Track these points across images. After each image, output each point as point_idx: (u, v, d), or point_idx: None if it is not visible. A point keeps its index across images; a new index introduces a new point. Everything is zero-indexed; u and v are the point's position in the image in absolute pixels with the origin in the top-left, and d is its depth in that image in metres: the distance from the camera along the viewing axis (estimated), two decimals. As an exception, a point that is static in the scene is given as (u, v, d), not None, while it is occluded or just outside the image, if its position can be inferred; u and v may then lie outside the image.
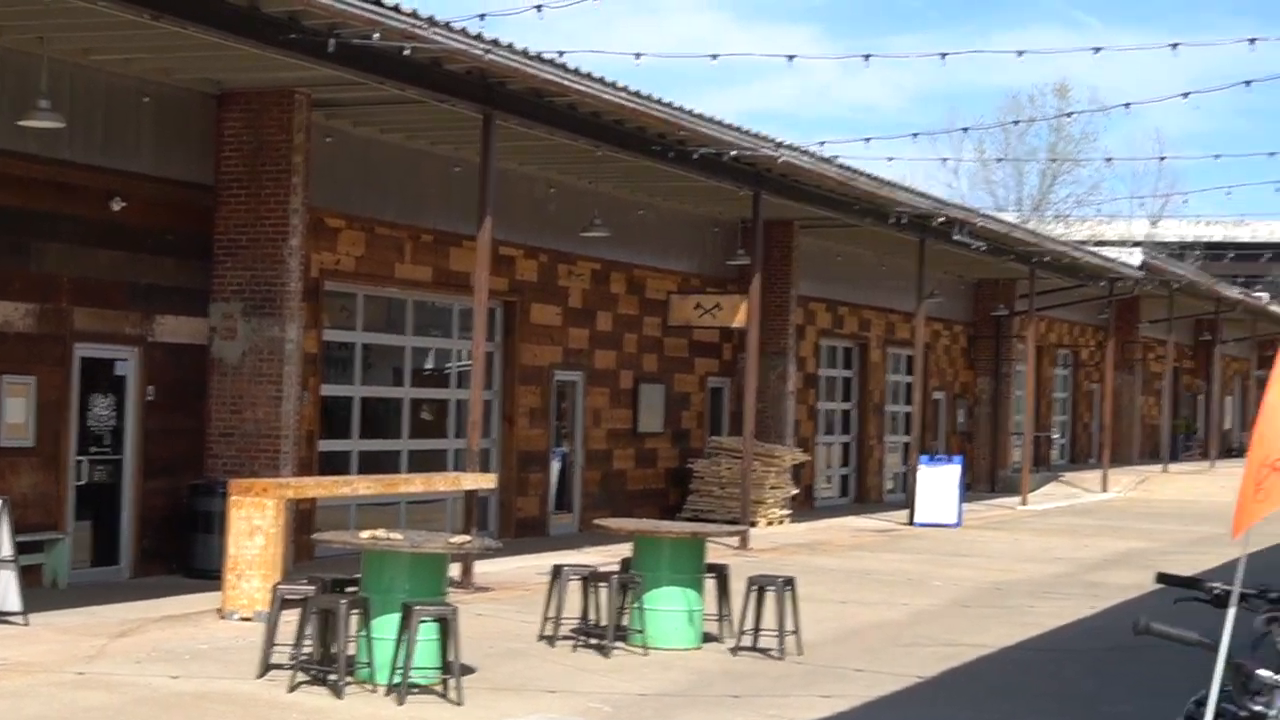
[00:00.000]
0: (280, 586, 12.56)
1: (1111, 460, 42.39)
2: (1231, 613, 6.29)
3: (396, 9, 15.48)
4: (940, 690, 12.76)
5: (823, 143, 26.27)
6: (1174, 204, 66.89)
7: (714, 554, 16.23)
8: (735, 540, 22.28)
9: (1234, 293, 49.80)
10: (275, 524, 14.90)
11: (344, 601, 11.58)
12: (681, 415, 28.47)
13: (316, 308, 19.94)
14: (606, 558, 17.32)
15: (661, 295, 27.55)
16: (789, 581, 14.04)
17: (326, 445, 20.43)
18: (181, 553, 17.82)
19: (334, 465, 20.44)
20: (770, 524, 26.80)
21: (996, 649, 14.81)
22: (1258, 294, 54.61)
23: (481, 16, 16.95)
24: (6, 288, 16.32)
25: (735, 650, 13.94)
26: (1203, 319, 53.57)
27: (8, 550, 14.11)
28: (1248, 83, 19.82)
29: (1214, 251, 72.12)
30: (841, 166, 24.57)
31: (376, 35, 15.49)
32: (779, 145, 22.68)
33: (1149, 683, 12.90)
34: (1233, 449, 56.33)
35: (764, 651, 13.85)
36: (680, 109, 20.47)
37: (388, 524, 16.83)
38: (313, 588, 12.17)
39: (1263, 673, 5.54)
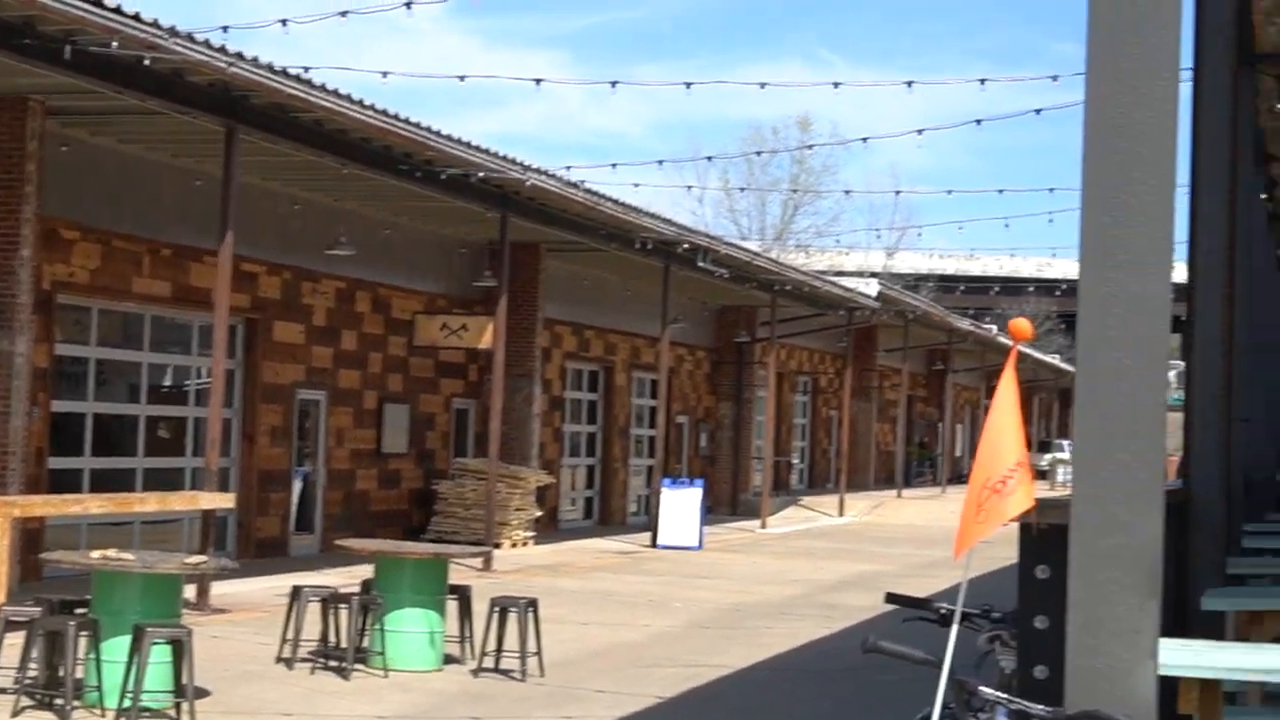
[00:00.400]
0: (4, 608, 12.14)
1: (849, 485, 43.31)
2: (954, 631, 6.44)
3: (137, 18, 15.12)
4: (680, 711, 12.87)
5: (569, 167, 26.47)
6: (909, 237, 68.85)
7: (457, 575, 16.17)
8: (479, 562, 22.22)
9: (965, 324, 51.41)
10: (0, 544, 14.38)
11: (72, 623, 11.22)
12: (426, 436, 28.29)
13: (48, 321, 19.34)
14: (348, 579, 17.12)
15: (407, 315, 27.35)
16: (531, 603, 14.04)
17: (57, 463, 19.80)
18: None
19: (65, 484, 19.81)
20: (514, 546, 26.78)
21: (735, 670, 14.99)
22: (987, 325, 56.44)
23: (225, 29, 16.73)
24: None
25: (477, 672, 13.89)
26: (936, 349, 55.14)
27: None
28: (978, 121, 20.52)
29: (946, 284, 74.34)
30: (588, 191, 24.73)
31: (115, 44, 15.13)
32: (526, 168, 22.74)
33: (880, 702, 13.18)
34: (963, 475, 58.00)
35: (506, 673, 13.82)
36: (427, 129, 20.41)
37: (122, 545, 16.35)
38: (39, 609, 11.78)
39: (985, 689, 5.70)
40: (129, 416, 21.75)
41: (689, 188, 56.91)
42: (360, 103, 18.89)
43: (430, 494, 27.61)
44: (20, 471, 17.62)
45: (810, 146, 57.29)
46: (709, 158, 44.23)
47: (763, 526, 35.80)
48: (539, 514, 28.56)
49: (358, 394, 26.22)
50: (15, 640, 11.71)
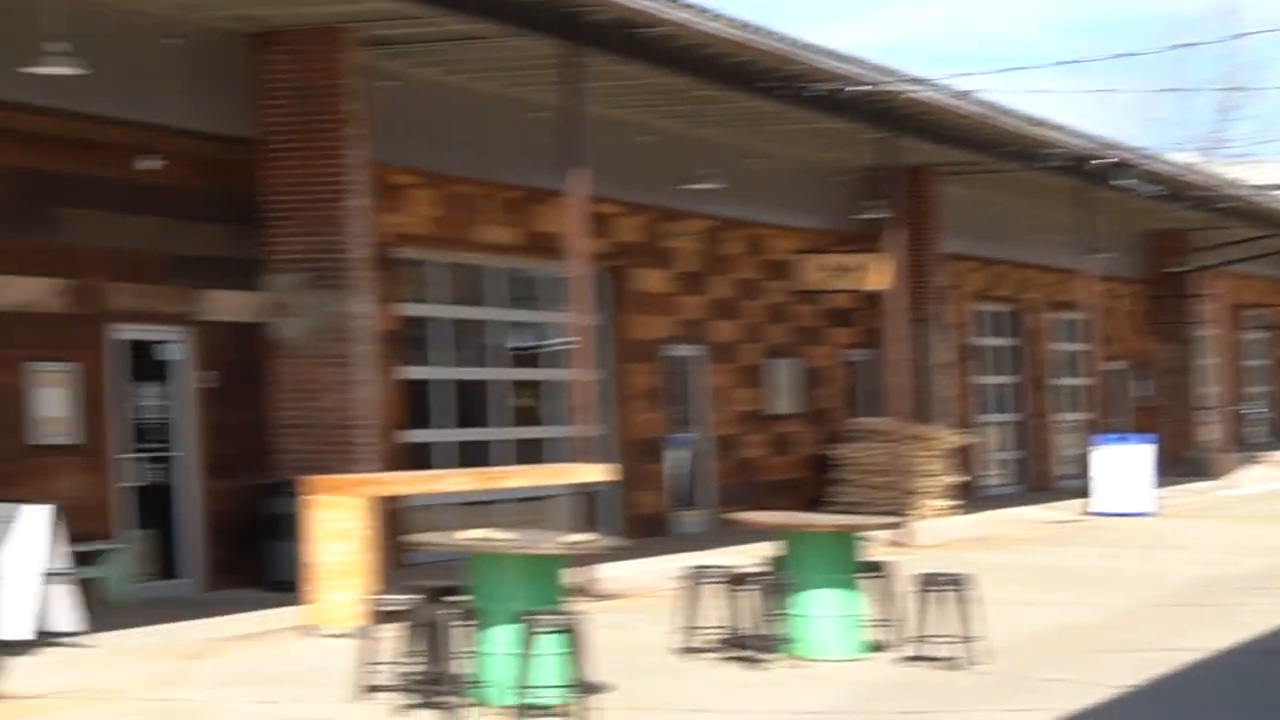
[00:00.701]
0: (374, 598, 12.66)
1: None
2: None
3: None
4: (1151, 702, 12.66)
5: (959, 75, 26.28)
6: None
7: (870, 550, 16.22)
8: (894, 535, 22.26)
9: None
10: (362, 527, 15.04)
11: (449, 613, 11.62)
12: (818, 393, 28.51)
13: (388, 278, 20.02)
14: (743, 558, 17.34)
15: (785, 256, 27.56)
16: (961, 580, 13.99)
17: (406, 435, 20.57)
18: (253, 562, 18.07)
19: (415, 458, 20.58)
20: (931, 516, 26.79)
21: (1211, 653, 14.70)
22: None
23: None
24: (28, 261, 16.52)
25: (904, 659, 13.93)
26: None
27: (61, 563, 14.43)
28: None
29: None
30: (979, 102, 24.57)
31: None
32: (908, 79, 22.73)
33: None
34: None
35: (937, 660, 13.81)
36: (794, 40, 20.58)
37: (482, 524, 16.90)
38: (411, 598, 12.22)
39: None
40: (479, 382, 22.47)
41: (1099, 92, 55.59)
42: (714, 14, 19.07)
43: (828, 460, 27.85)
44: (370, 446, 18.34)
45: (1244, 35, 55.28)
46: (1123, 55, 42.86)
47: (1220, 487, 35.06)
48: (956, 479, 28.59)
49: (736, 348, 26.56)
50: (386, 632, 12.18)
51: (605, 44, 18.83)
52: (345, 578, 14.87)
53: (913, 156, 26.70)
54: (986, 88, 26.77)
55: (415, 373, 21.08)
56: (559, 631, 11.45)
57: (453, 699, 11.39)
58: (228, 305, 18.54)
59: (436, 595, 12.37)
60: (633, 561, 18.64)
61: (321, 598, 14.95)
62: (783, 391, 27.56)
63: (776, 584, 14.00)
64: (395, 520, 19.36)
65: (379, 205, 19.49)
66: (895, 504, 24.39)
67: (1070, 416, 36.28)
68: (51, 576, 14.26)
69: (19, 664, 12.75)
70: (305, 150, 18.57)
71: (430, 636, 11.79)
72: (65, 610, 14.47)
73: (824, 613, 14.09)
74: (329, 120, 18.49)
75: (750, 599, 13.91)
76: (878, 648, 14.38)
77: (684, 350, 25.47)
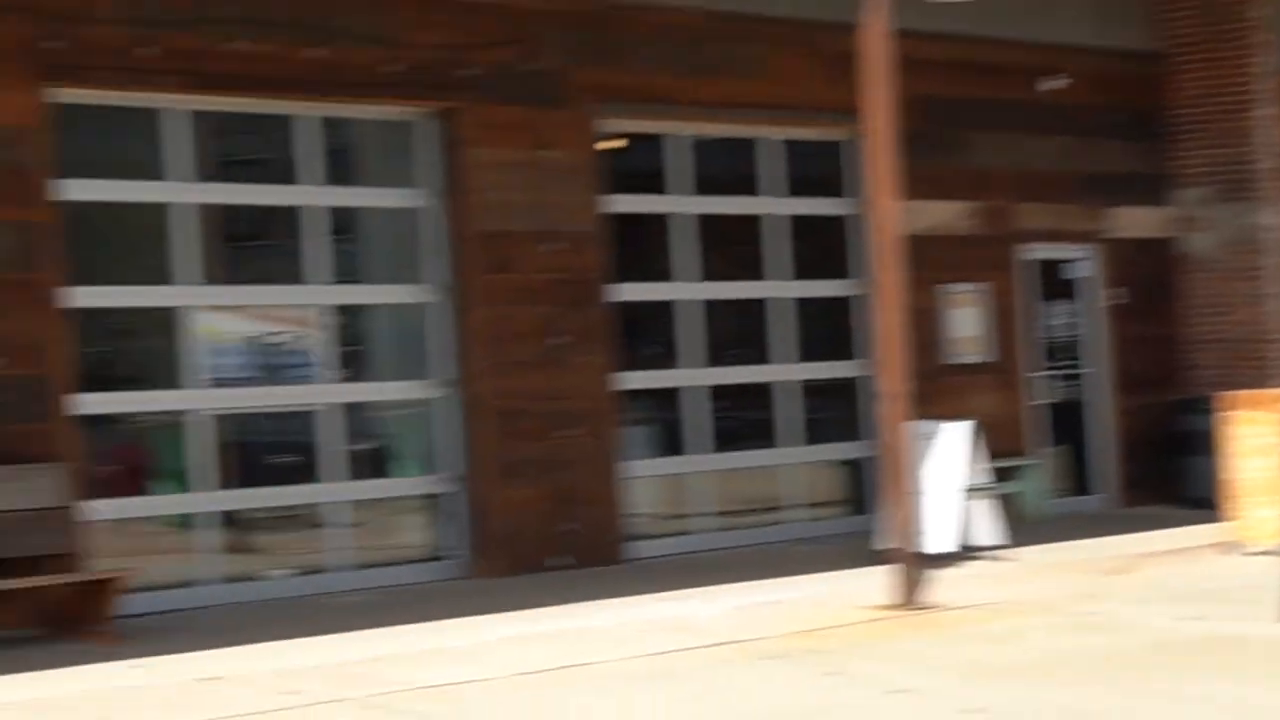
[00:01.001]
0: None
1: None
2: None
3: None
4: None
5: None
6: None
7: None
8: None
9: None
10: (1281, 443, 14.67)
11: None
12: None
13: (1298, 188, 19.47)
14: None
15: None
16: None
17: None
18: (1165, 479, 18.07)
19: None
20: None
21: None
22: None
23: None
24: (938, 186, 16.91)
25: None
26: None
27: (983, 478, 14.91)
28: None
29: None
30: None
31: None
32: None
33: None
34: None
35: None
36: None
37: None
38: None
39: None
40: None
41: None
42: None
43: None
44: (1285, 362, 17.92)
45: None
46: None
47: None
48: None
49: None
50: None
51: None
52: (1266, 494, 14.53)
53: None
54: None
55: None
56: None
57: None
58: (1135, 222, 18.51)
59: None
60: None
61: (1242, 515, 14.68)
62: None
63: None
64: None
65: (1280, 114, 18.96)
66: None
67: None
68: (972, 491, 14.76)
69: (943, 576, 13.13)
70: (1210, 61, 18.33)
71: None
72: (985, 525, 14.94)
73: None
74: (1234, 29, 18.15)
75: None
76: None
77: None
